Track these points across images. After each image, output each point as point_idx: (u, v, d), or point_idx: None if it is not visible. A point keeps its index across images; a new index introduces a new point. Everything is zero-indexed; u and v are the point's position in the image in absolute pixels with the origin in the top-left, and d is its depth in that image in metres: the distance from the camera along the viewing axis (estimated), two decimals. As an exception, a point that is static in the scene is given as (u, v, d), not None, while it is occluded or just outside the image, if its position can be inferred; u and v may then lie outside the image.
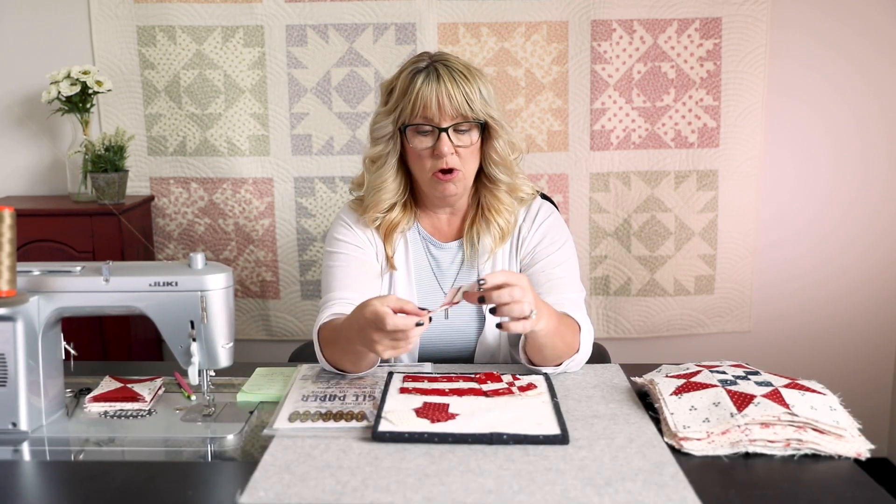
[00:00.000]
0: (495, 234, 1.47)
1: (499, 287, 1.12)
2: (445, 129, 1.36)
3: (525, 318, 1.14)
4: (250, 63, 2.36)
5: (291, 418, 1.12)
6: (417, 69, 1.38)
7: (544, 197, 1.62)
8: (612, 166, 2.43)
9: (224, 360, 1.16)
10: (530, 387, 1.22)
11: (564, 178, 2.43)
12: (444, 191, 1.41)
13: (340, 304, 1.36)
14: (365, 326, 1.12)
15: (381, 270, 1.48)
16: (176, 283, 1.12)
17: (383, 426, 1.08)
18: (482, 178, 1.47)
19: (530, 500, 0.90)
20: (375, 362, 1.31)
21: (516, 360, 1.52)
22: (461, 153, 1.38)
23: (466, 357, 1.50)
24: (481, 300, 1.13)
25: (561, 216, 1.56)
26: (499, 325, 1.15)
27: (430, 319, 1.11)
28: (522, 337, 1.32)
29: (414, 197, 1.50)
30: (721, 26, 2.35)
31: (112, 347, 2.18)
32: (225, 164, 2.40)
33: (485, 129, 1.40)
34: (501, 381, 1.25)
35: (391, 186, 1.44)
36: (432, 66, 1.38)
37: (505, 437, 1.04)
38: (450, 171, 1.38)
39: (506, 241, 1.48)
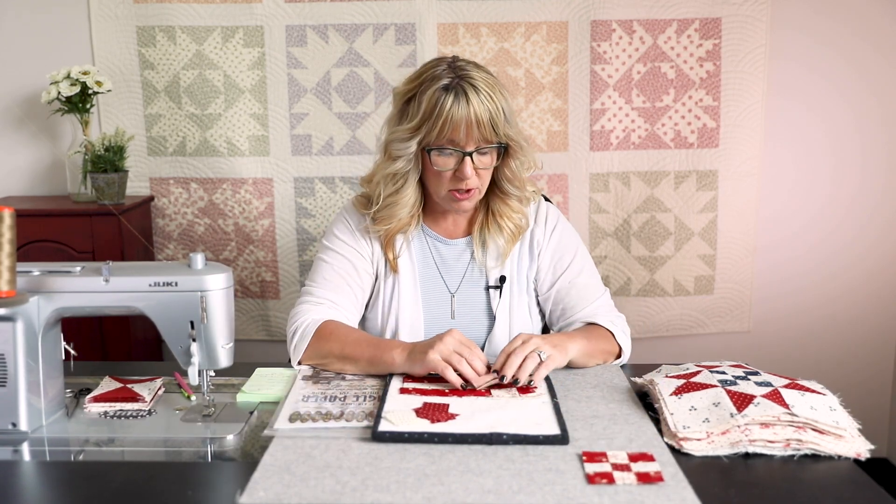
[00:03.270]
0: (508, 236, 1.49)
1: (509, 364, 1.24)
2: (470, 154, 1.35)
3: (541, 363, 1.24)
4: (250, 63, 2.36)
5: (292, 418, 1.12)
6: (443, 86, 1.33)
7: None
8: (612, 166, 2.43)
9: (224, 360, 1.16)
10: (531, 388, 1.22)
11: (564, 179, 2.43)
12: (460, 207, 1.43)
13: (330, 310, 1.42)
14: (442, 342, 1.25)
15: (376, 275, 1.49)
16: (176, 284, 1.12)
17: (383, 426, 1.08)
18: (493, 188, 1.47)
19: (530, 500, 0.90)
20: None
21: None
22: (480, 172, 1.39)
23: None
24: (514, 382, 1.23)
25: (566, 219, 1.58)
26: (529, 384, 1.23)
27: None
28: None
29: (423, 201, 1.50)
30: (721, 26, 2.35)
31: (112, 347, 2.18)
32: (225, 165, 2.40)
33: (504, 149, 1.40)
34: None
35: (409, 201, 1.44)
36: (459, 85, 1.33)
37: (505, 437, 1.04)
38: (467, 190, 1.39)
39: (517, 241, 1.50)
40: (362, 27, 2.34)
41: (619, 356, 1.42)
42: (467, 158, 1.35)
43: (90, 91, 2.21)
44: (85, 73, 2.19)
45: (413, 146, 1.37)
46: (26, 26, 2.35)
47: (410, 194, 1.43)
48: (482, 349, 1.49)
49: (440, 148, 1.35)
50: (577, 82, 2.38)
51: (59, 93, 2.18)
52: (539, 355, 1.23)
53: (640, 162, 2.43)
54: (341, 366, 1.33)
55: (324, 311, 1.40)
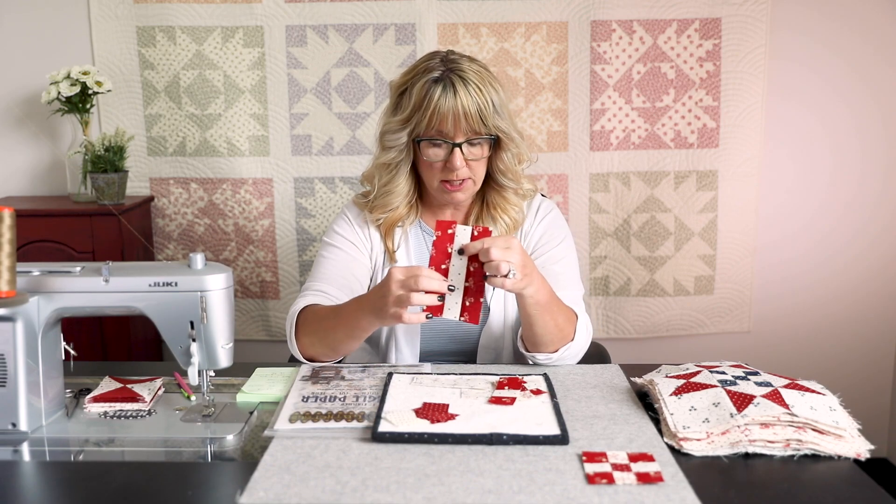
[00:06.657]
0: (502, 229, 1.50)
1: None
2: (459, 145, 1.37)
3: (504, 276, 1.19)
4: (250, 63, 2.36)
5: (292, 419, 1.12)
6: (433, 79, 1.36)
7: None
8: (612, 167, 2.43)
9: (224, 360, 1.16)
10: (538, 392, 1.21)
11: (564, 179, 2.43)
12: (452, 199, 1.44)
13: (319, 296, 1.42)
14: (389, 286, 1.19)
15: (373, 267, 1.51)
16: (176, 284, 1.12)
17: (383, 426, 1.08)
18: (489, 180, 1.49)
19: (530, 500, 0.90)
20: (352, 349, 1.36)
21: (520, 355, 1.53)
22: (471, 164, 1.40)
23: (469, 350, 1.51)
24: (460, 251, 1.22)
25: (561, 213, 1.59)
26: (485, 277, 1.21)
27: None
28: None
29: (419, 194, 1.53)
30: (721, 27, 2.36)
31: (112, 347, 2.18)
32: (225, 165, 2.40)
33: (496, 141, 1.42)
34: (525, 388, 1.22)
35: (402, 190, 1.47)
36: (448, 77, 1.35)
37: (505, 437, 1.04)
38: (459, 181, 1.41)
39: (513, 234, 1.52)
40: (362, 27, 2.34)
41: (568, 342, 1.36)
42: (456, 150, 1.37)
43: (90, 91, 2.21)
44: (85, 73, 2.19)
45: (404, 137, 1.41)
46: (26, 26, 2.35)
47: (402, 183, 1.46)
48: (478, 340, 1.50)
49: (430, 139, 1.38)
50: (577, 82, 2.38)
51: (59, 93, 2.19)
52: (511, 272, 1.19)
53: (640, 162, 2.43)
54: (328, 343, 1.33)
55: (310, 300, 1.41)
